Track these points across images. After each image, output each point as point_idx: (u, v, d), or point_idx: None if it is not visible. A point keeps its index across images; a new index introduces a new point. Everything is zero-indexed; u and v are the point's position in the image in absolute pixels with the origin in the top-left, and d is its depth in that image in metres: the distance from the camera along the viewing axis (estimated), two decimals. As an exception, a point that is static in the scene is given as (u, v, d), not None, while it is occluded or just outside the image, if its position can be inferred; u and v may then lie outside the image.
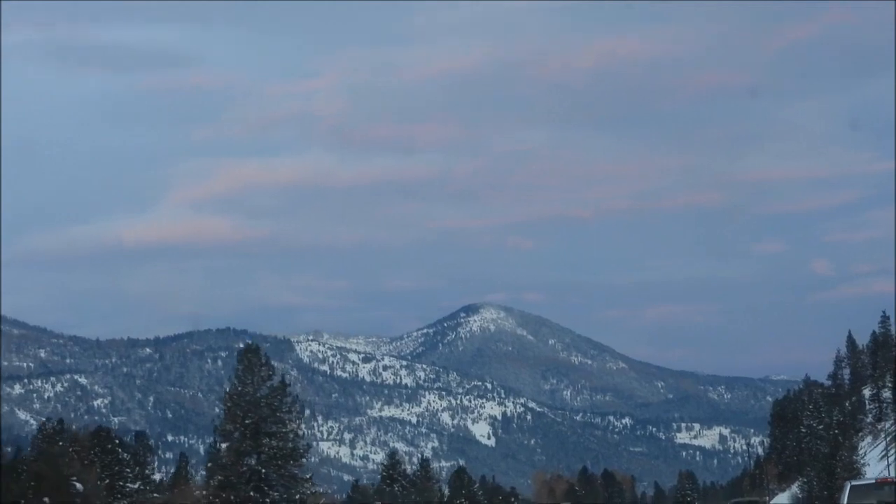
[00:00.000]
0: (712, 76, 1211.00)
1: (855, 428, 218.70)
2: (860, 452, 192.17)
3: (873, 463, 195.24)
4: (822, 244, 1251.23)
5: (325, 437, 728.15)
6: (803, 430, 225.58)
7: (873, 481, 42.08)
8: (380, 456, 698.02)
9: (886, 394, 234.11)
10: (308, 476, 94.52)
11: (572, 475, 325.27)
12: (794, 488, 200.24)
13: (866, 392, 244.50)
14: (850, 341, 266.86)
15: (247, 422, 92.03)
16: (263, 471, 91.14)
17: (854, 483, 41.97)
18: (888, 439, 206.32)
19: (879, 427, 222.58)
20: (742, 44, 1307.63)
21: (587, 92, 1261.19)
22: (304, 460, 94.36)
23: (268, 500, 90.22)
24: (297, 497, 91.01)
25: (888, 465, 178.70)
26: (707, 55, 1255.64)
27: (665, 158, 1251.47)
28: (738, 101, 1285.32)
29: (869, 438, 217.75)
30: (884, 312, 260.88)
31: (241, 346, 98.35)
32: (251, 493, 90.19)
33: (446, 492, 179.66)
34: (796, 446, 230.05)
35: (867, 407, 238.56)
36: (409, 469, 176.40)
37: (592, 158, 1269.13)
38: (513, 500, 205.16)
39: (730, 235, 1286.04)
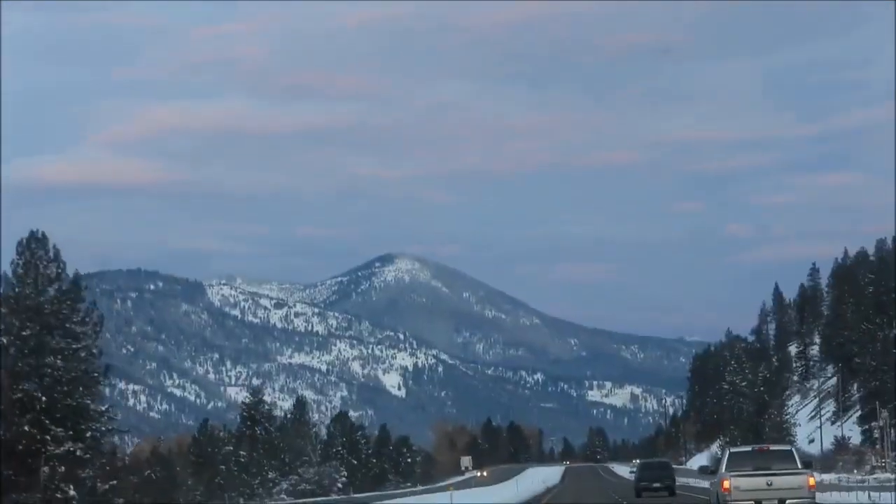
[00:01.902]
0: (634, 34, 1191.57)
1: (781, 386, 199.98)
2: (789, 411, 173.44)
3: (804, 423, 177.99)
4: (742, 206, 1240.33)
5: (232, 382, 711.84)
6: (725, 387, 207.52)
7: (752, 449, 42.45)
8: (288, 403, 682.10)
9: (814, 351, 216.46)
10: (104, 408, 70.45)
11: (478, 428, 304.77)
12: (715, 448, 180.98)
13: (792, 349, 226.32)
14: (777, 295, 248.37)
15: (25, 333, 67.73)
16: (45, 398, 66.89)
17: (733, 450, 42.42)
18: (819, 398, 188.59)
19: (808, 385, 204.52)
20: (664, 4, 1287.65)
21: (509, 47, 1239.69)
22: (102, 388, 70.02)
23: (49, 436, 66.05)
24: (89, 435, 66.73)
25: (820, 426, 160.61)
26: (629, 13, 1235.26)
27: (585, 115, 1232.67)
28: (659, 60, 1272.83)
29: (797, 398, 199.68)
30: (813, 265, 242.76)
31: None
32: (26, 429, 66.10)
33: (324, 437, 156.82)
34: (717, 404, 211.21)
35: (794, 365, 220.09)
36: (317, 417, 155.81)
37: (512, 113, 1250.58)
38: (405, 450, 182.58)
39: (649, 195, 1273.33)
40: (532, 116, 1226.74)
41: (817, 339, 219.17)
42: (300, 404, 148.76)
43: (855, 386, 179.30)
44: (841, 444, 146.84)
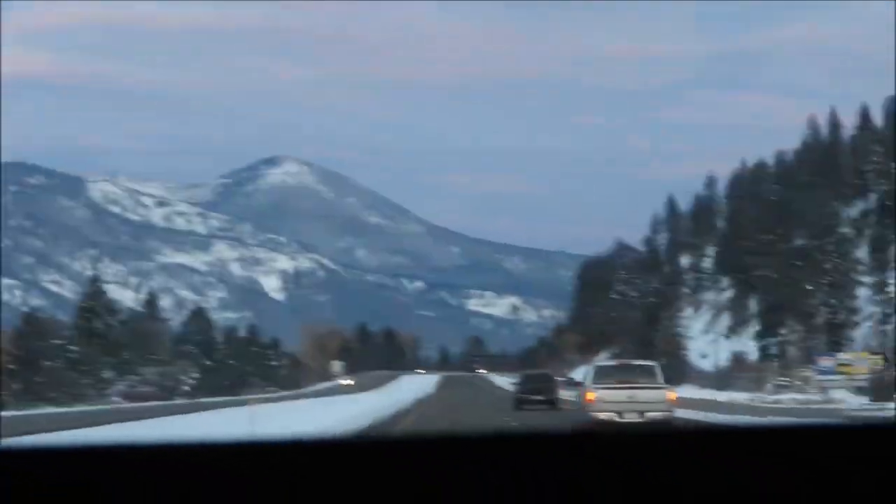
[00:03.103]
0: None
1: (673, 298, 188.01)
2: (682, 324, 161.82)
3: (697, 336, 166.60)
4: (635, 122, 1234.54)
5: (111, 279, 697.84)
6: (614, 298, 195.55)
7: (616, 363, 46.35)
8: (165, 302, 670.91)
9: (707, 264, 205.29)
10: None
11: (353, 333, 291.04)
12: (602, 359, 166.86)
13: (684, 261, 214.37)
14: (670, 205, 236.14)
15: None
16: None
17: (599, 364, 46.65)
18: (714, 312, 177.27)
19: (701, 299, 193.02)
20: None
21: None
22: None
23: None
24: None
25: (715, 340, 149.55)
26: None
27: (489, 26, 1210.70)
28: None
29: (690, 310, 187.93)
30: (710, 175, 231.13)
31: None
32: None
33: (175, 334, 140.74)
34: (604, 315, 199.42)
35: (685, 277, 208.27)
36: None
37: (415, 19, 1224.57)
38: (270, 351, 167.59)
39: (543, 106, 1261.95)
40: (438, 26, 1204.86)
41: (711, 252, 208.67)
42: (151, 298, 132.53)
43: (753, 300, 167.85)
44: (739, 359, 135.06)
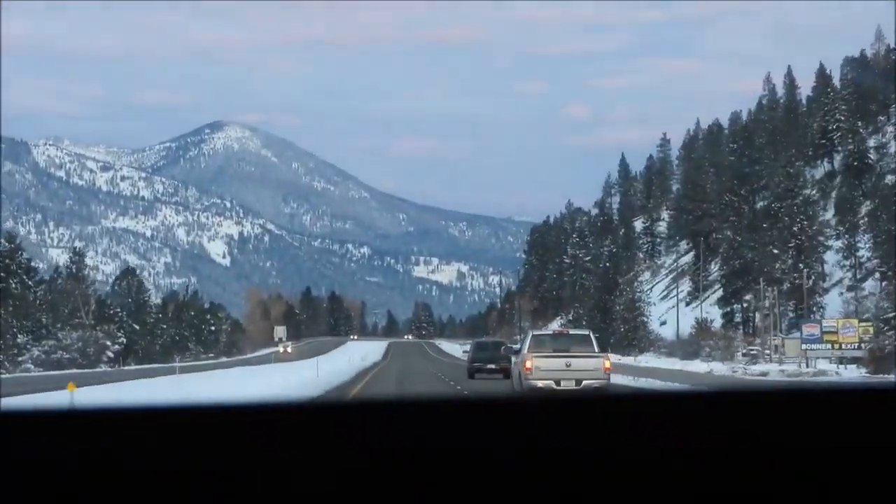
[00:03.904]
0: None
1: (631, 261, 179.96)
2: (640, 289, 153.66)
3: (656, 302, 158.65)
4: (581, 88, 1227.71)
5: (55, 244, 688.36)
6: (567, 262, 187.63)
7: (552, 333, 46.54)
8: (110, 267, 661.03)
9: (661, 227, 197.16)
10: None
11: (297, 298, 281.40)
12: (556, 325, 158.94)
13: (637, 224, 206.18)
14: (623, 166, 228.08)
15: None
16: None
17: (536, 333, 45.27)
18: (672, 277, 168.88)
19: (659, 263, 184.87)
20: None
21: None
22: None
23: None
24: None
25: (676, 306, 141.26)
26: None
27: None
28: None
29: (647, 275, 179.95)
30: (664, 135, 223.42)
31: None
32: None
33: (103, 298, 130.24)
34: (557, 280, 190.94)
35: (641, 242, 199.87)
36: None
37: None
38: (209, 316, 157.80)
39: (489, 72, 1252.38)
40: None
41: (665, 216, 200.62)
42: (77, 257, 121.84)
43: (714, 264, 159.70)
44: (703, 327, 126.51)
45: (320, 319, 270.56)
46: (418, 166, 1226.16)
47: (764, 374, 71.38)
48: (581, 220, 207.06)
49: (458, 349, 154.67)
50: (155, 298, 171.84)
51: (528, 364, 40.00)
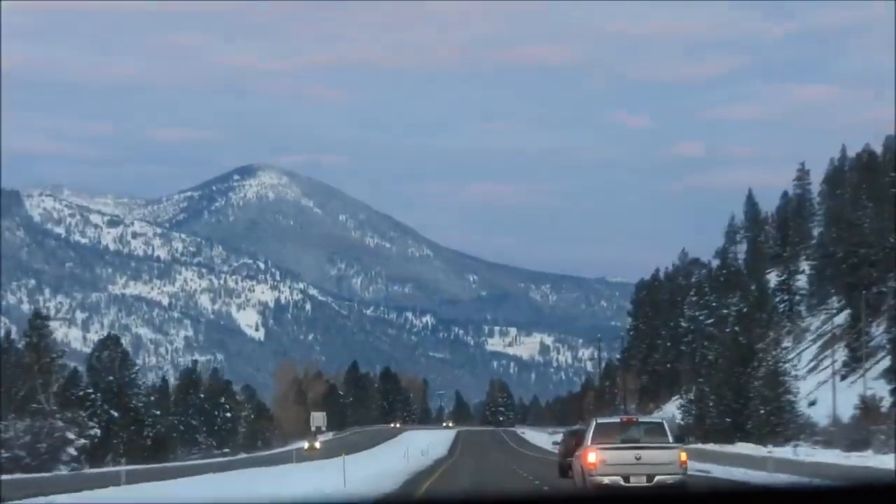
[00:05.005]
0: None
1: (767, 324, 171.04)
2: (788, 358, 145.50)
3: (803, 375, 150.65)
4: (691, 120, 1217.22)
5: (52, 314, 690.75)
6: (683, 326, 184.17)
7: (619, 420, 46.36)
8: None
9: (801, 281, 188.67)
10: None
11: (341, 375, 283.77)
12: (673, 409, 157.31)
13: (771, 277, 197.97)
14: (750, 206, 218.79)
15: None
16: None
17: (600, 421, 46.06)
18: (822, 342, 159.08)
19: (803, 326, 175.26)
20: None
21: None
22: None
23: None
24: None
25: (833, 376, 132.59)
26: None
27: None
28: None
29: (788, 341, 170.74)
30: (801, 165, 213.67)
31: None
32: None
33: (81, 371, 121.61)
34: (672, 349, 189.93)
35: (776, 299, 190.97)
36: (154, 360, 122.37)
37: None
38: (224, 400, 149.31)
39: (579, 102, 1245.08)
40: (440, 3, 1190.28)
41: (806, 266, 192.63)
42: (39, 319, 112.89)
43: (877, 325, 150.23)
44: (871, 406, 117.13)
45: (371, 403, 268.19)
46: (491, 217, 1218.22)
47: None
48: (700, 274, 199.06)
49: (545, 439, 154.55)
50: (172, 379, 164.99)
51: (592, 457, 41.65)
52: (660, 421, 46.28)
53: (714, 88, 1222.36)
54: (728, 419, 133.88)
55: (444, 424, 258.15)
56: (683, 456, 42.12)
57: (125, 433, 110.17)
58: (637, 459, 41.36)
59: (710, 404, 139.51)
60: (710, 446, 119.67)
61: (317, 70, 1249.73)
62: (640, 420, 46.89)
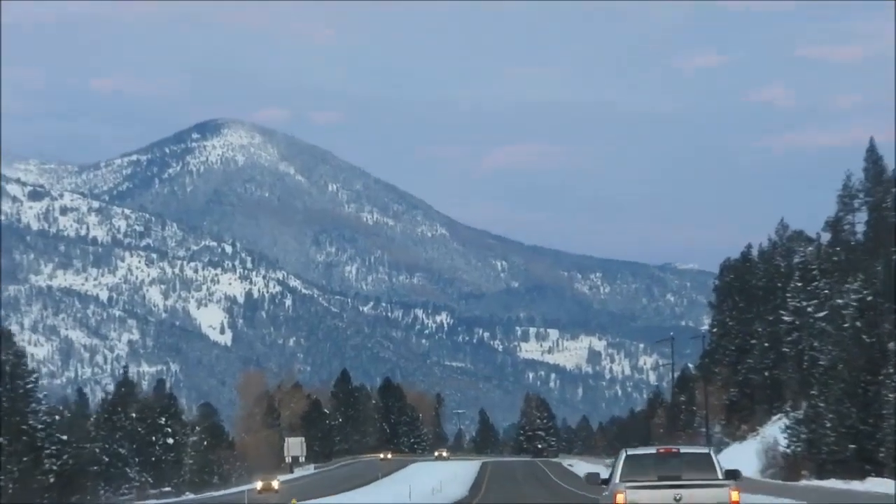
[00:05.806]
0: None
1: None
2: None
3: None
4: (782, 60, 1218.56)
5: None
6: (786, 320, 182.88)
7: (655, 451, 48.01)
8: (43, 349, 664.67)
9: None
10: None
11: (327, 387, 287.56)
12: (775, 432, 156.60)
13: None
14: (872, 161, 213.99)
15: None
16: None
17: (631, 452, 47.63)
18: None
19: None
20: None
21: None
22: None
23: None
24: None
25: None
26: None
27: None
28: None
29: None
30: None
31: None
32: None
33: None
34: (769, 350, 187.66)
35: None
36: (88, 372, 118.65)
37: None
38: (166, 421, 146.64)
39: (632, 40, 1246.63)
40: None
41: None
42: None
43: None
44: None
45: (367, 426, 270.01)
46: (524, 188, 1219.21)
47: None
48: (806, 252, 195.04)
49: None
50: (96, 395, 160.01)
51: (621, 499, 43.06)
52: (706, 451, 47.24)
53: (812, 19, 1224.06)
54: (852, 445, 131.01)
55: (437, 455, 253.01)
56: (735, 495, 43.36)
57: (15, 466, 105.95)
58: (677, 500, 42.98)
59: (828, 425, 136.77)
60: (832, 483, 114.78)
61: (303, 2, 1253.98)
62: (681, 451, 47.70)
